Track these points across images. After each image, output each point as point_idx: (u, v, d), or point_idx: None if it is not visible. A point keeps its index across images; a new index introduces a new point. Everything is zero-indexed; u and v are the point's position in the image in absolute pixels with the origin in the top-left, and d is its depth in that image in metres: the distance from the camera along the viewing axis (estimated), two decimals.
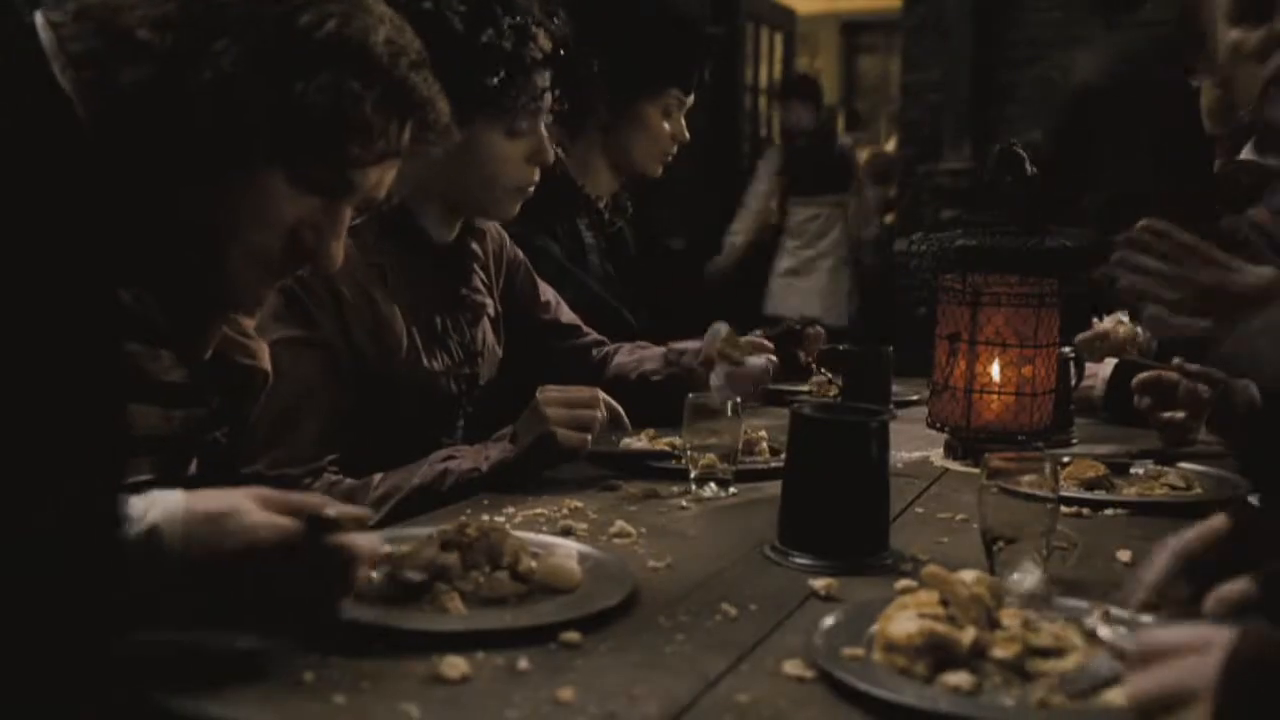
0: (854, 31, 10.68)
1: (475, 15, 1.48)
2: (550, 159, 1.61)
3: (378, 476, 1.41)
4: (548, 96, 1.59)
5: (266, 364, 1.15)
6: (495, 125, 1.55)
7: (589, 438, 1.39)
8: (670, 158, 2.24)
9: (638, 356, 1.87)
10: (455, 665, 0.82)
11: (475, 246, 1.70)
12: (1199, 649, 0.69)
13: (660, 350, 1.86)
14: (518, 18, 1.52)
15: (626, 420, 1.46)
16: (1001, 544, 1.05)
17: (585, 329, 1.90)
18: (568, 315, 1.88)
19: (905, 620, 0.84)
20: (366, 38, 0.97)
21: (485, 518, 1.18)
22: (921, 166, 5.39)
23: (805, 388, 2.12)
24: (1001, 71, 5.21)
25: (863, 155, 8.01)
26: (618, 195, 2.24)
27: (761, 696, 0.80)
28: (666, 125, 2.18)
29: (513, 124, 1.56)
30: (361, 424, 1.45)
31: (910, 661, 0.81)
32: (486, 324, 1.70)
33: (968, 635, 0.83)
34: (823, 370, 2.08)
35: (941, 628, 0.81)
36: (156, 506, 0.86)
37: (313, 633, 0.87)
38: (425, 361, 1.55)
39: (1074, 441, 1.74)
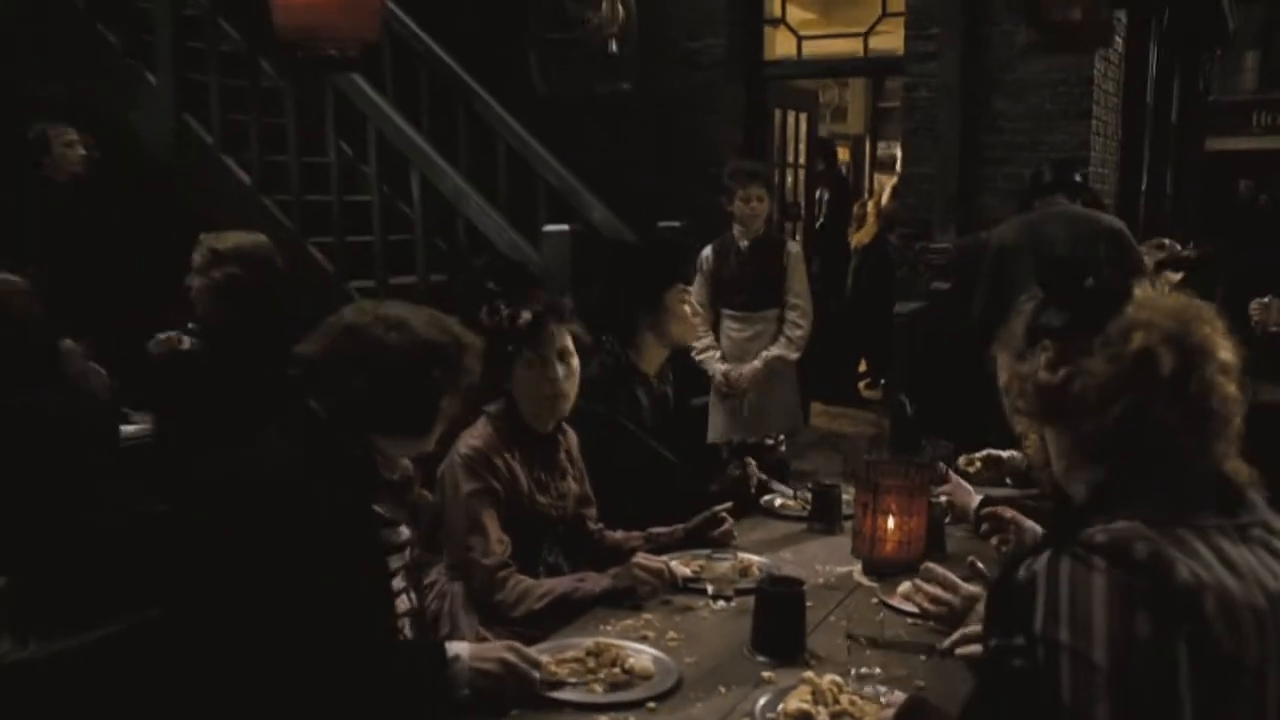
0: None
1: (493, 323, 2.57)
2: (558, 375, 2.64)
3: (544, 583, 2.49)
4: (565, 337, 2.66)
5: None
6: (524, 367, 2.63)
7: (657, 589, 2.44)
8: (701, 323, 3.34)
9: (623, 536, 2.83)
10: None
11: (561, 438, 2.78)
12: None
13: (640, 535, 2.82)
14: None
15: (678, 580, 2.49)
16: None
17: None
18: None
19: (794, 701, 1.89)
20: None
21: (603, 626, 2.25)
22: (917, 244, 6.36)
23: (788, 502, 3.18)
24: (982, 168, 6.20)
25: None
26: (663, 367, 3.32)
27: None
28: (685, 305, 3.28)
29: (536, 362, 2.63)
30: (509, 531, 2.55)
31: None
32: (571, 480, 2.78)
33: (820, 713, 1.88)
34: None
35: (807, 707, 1.87)
36: (454, 649, 1.95)
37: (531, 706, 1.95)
38: (536, 499, 2.65)
39: (947, 557, 2.77)
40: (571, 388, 2.65)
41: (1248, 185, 10.87)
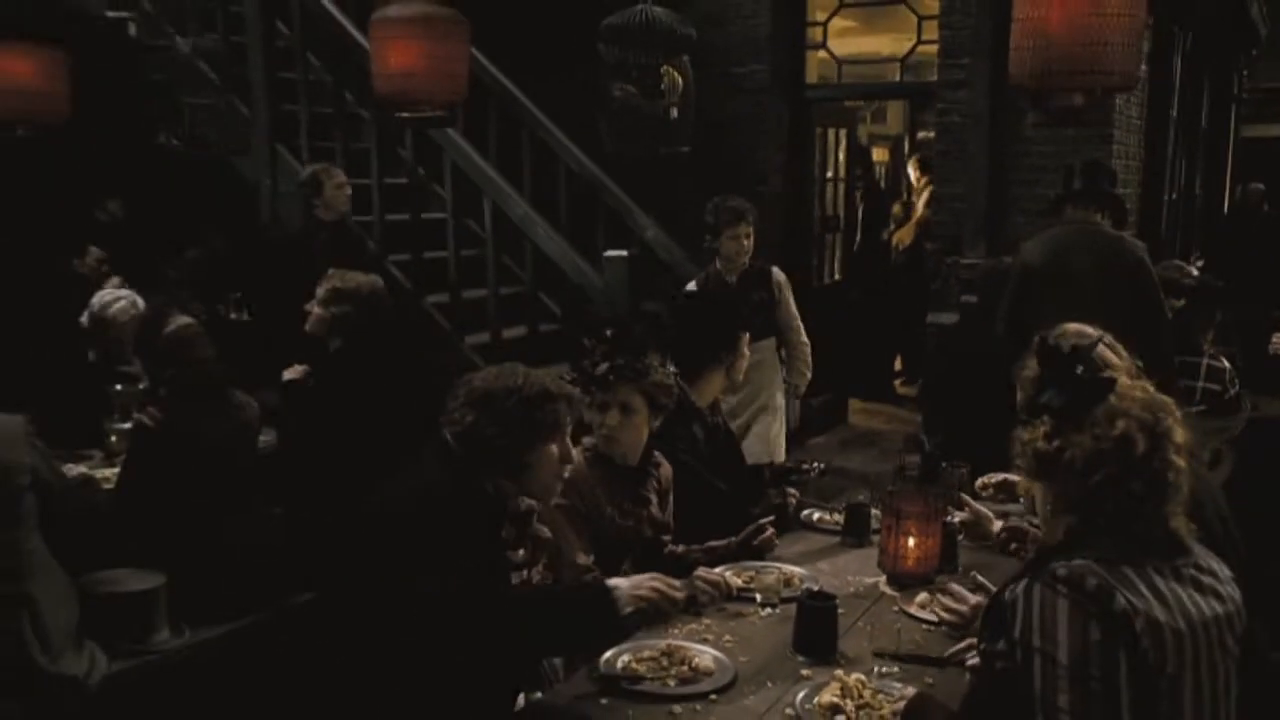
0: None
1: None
2: (613, 422, 3.12)
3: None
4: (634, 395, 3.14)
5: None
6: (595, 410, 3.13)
7: (715, 598, 2.90)
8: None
9: (684, 550, 3.29)
10: (674, 711, 2.38)
11: (651, 469, 3.27)
12: None
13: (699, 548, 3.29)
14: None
15: (732, 590, 2.96)
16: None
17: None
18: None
19: (827, 695, 2.37)
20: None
21: (672, 629, 2.74)
22: (949, 259, 6.78)
23: (825, 517, 3.66)
24: (1010, 189, 6.61)
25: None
26: (715, 403, 3.79)
27: None
28: (745, 350, 3.75)
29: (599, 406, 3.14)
30: (594, 546, 3.05)
31: (826, 713, 2.34)
32: (654, 509, 3.27)
33: (848, 705, 2.36)
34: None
35: (837, 700, 2.35)
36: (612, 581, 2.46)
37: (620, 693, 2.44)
38: (616, 522, 3.14)
39: (957, 570, 3.23)
40: (626, 434, 3.13)
41: (1255, 189, 10.76)
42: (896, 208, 10.88)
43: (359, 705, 2.48)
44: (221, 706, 3.45)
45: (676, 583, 2.56)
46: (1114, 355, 2.66)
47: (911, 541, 3.06)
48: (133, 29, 6.44)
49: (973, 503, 3.34)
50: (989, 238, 6.57)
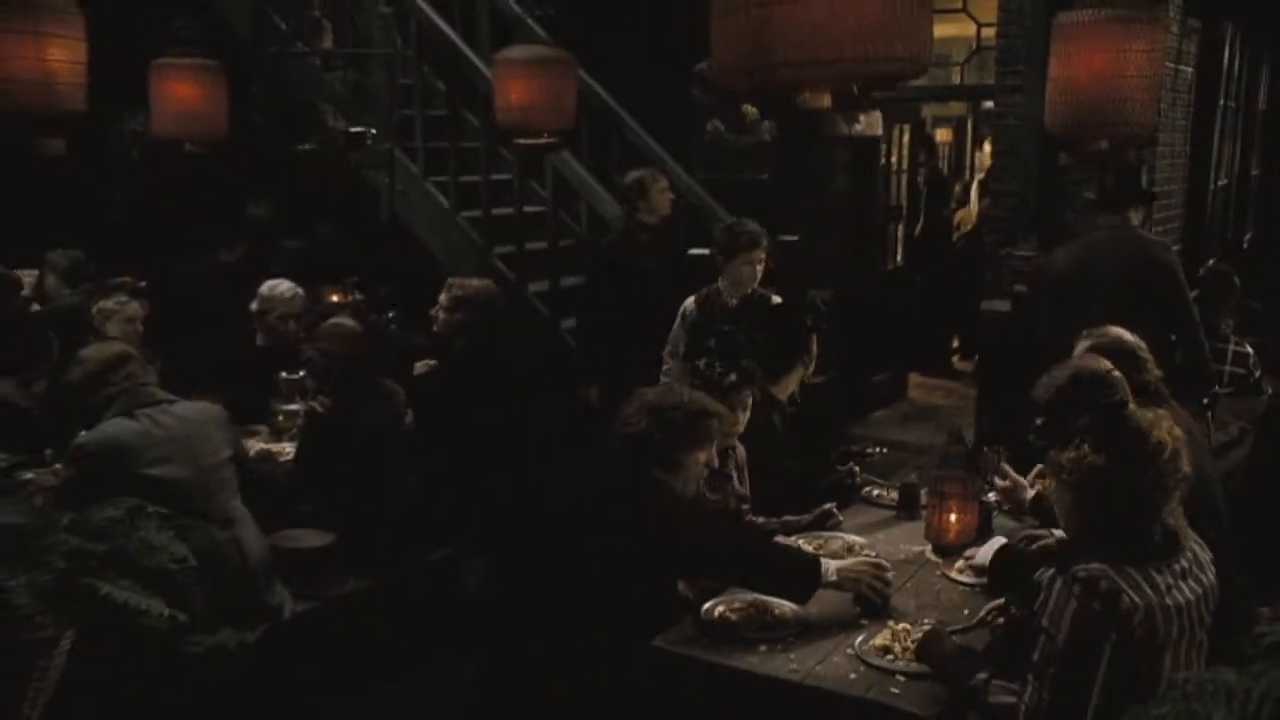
0: None
1: None
2: (739, 421, 3.79)
3: None
4: (749, 395, 3.79)
5: None
6: None
7: None
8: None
9: (764, 521, 3.94)
10: (761, 649, 3.03)
11: (729, 450, 3.92)
12: None
13: (777, 520, 3.92)
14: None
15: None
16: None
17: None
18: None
19: (880, 640, 3.01)
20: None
21: None
22: (1002, 250, 7.32)
23: (882, 494, 4.28)
24: (1061, 188, 7.12)
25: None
26: (793, 394, 4.43)
27: (840, 663, 3.00)
28: (815, 349, 4.38)
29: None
30: None
31: (879, 652, 2.98)
32: (735, 484, 3.92)
33: (899, 645, 3.00)
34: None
35: (888, 643, 2.99)
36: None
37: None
38: (708, 496, 3.80)
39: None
40: (738, 427, 3.79)
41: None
42: (957, 188, 11.36)
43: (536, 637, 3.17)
44: (380, 643, 4.18)
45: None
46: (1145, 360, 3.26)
47: (953, 517, 3.68)
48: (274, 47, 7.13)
49: (1012, 473, 3.89)
50: (1040, 232, 7.09)
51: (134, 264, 5.54)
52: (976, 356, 9.50)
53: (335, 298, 6.45)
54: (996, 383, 6.79)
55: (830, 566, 3.20)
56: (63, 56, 2.96)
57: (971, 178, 11.77)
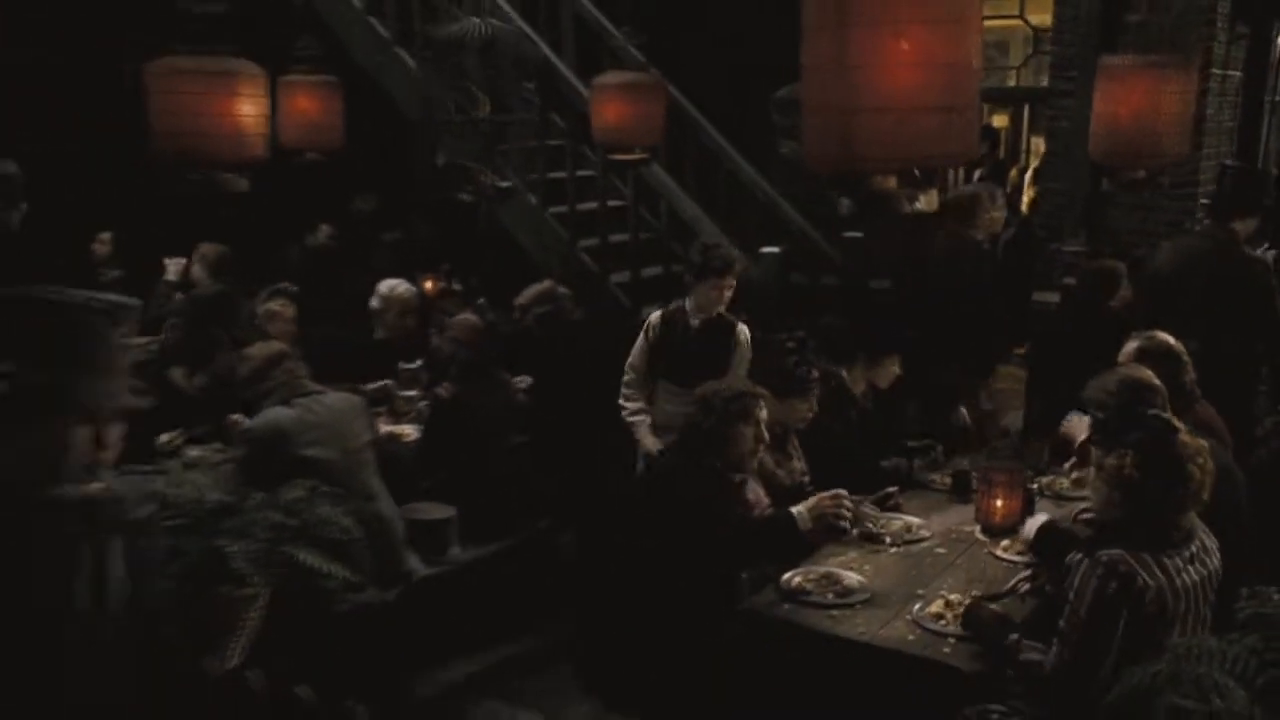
0: None
1: None
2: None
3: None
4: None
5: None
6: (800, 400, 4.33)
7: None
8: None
9: None
10: (832, 614, 3.57)
11: (791, 432, 4.45)
12: None
13: None
14: None
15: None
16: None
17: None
18: None
19: (933, 607, 3.53)
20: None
21: (828, 560, 3.92)
22: (1052, 244, 7.74)
23: (936, 480, 4.78)
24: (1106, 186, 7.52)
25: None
26: (865, 392, 4.94)
27: (900, 626, 3.52)
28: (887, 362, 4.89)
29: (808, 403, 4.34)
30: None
31: (933, 619, 3.50)
32: (796, 460, 4.45)
33: (950, 612, 3.52)
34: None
35: (940, 610, 3.51)
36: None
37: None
38: (775, 472, 4.33)
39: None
40: (810, 415, 4.37)
41: None
42: (1013, 173, 11.67)
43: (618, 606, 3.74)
44: (496, 604, 4.77)
45: (845, 495, 3.77)
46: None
47: (999, 502, 4.18)
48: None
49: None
50: (1088, 229, 7.51)
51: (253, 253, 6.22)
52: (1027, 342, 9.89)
53: (429, 284, 7.04)
54: (1045, 371, 7.22)
55: (801, 512, 3.74)
56: (251, 112, 3.49)
57: (1027, 163, 12.04)
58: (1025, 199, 10.25)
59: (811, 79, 2.43)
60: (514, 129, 5.44)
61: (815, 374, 4.30)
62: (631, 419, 5.06)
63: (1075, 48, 7.44)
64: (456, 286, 7.30)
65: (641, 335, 5.08)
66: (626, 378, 5.13)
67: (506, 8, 6.93)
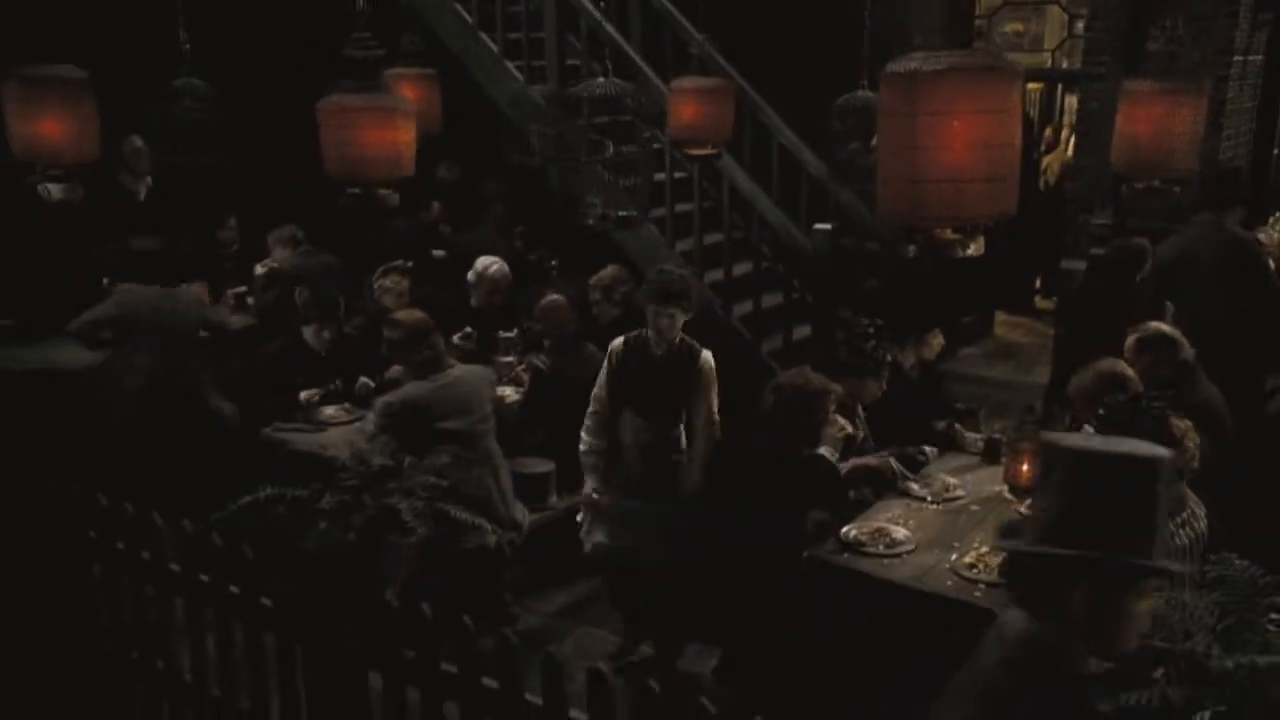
0: None
1: None
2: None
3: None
4: None
5: None
6: (873, 379, 5.00)
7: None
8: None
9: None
10: (883, 562, 4.26)
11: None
12: None
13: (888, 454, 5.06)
14: None
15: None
16: None
17: None
18: None
19: (968, 558, 4.21)
20: None
21: (879, 516, 4.61)
22: (1082, 217, 8.31)
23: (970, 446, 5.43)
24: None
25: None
26: (913, 365, 5.59)
27: (941, 573, 4.21)
28: (932, 339, 5.54)
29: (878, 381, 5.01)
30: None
31: (968, 568, 4.17)
32: (859, 432, 5.13)
33: (981, 563, 4.20)
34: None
35: (974, 560, 4.19)
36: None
37: None
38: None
39: None
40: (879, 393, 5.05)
41: None
42: (1048, 131, 12.11)
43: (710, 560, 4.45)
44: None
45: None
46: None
47: (1025, 466, 4.84)
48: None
49: None
50: (1114, 205, 8.06)
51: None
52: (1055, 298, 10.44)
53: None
54: (1072, 333, 7.82)
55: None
56: (405, 138, 4.14)
57: (1061, 121, 12.45)
58: (1063, 155, 10.66)
59: (886, 154, 3.06)
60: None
61: (889, 357, 4.94)
62: (585, 458, 5.01)
63: (1107, 35, 7.95)
64: (532, 257, 7.89)
65: (605, 363, 5.00)
66: (591, 409, 5.00)
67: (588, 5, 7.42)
